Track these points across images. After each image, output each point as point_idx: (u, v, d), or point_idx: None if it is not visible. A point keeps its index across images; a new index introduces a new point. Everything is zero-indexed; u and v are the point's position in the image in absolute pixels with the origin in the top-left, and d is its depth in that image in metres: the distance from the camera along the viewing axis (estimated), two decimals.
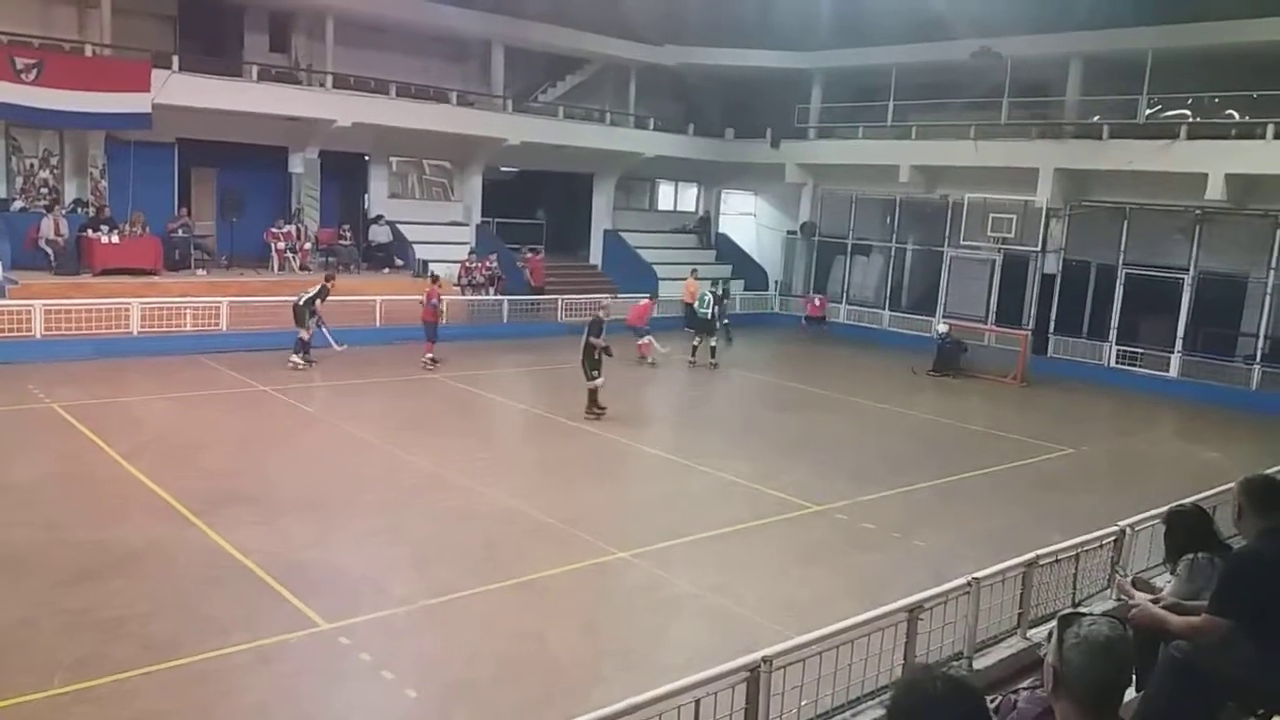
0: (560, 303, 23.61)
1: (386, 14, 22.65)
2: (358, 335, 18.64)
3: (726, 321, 22.18)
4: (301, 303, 17.10)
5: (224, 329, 18.33)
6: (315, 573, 8.32)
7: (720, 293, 21.50)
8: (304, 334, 17.01)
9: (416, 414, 14.79)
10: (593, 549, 9.33)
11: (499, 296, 23.03)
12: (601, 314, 14.93)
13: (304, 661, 6.93)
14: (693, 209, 31.47)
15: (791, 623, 7.04)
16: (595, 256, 27.94)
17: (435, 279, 19.26)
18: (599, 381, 14.58)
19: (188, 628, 7.13)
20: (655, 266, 26.62)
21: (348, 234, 23.23)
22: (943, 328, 21.79)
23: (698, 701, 4.62)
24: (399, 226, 24.06)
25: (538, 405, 16.25)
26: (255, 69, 21.06)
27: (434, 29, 23.72)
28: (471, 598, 8.03)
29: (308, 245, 22.26)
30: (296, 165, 22.71)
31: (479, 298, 22.83)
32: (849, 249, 27.45)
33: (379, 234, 23.91)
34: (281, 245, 21.69)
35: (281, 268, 21.55)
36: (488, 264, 23.48)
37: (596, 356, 14.53)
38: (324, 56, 22.26)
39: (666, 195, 31.73)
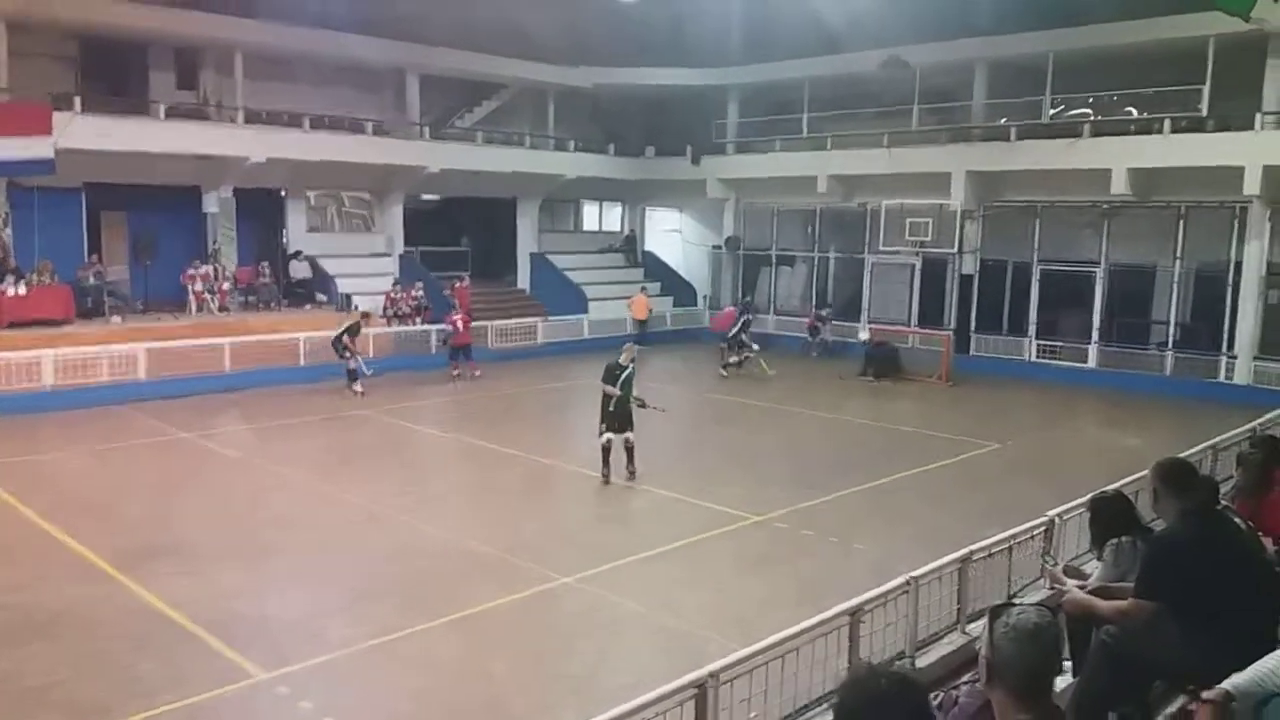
0: (490, 329, 23.44)
1: (296, 47, 22.33)
2: (281, 375, 18.33)
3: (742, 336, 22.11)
4: (334, 337, 18.29)
5: (142, 376, 17.78)
6: (248, 622, 8.08)
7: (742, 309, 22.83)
8: (351, 363, 18.23)
9: (346, 451, 14.52)
10: (535, 576, 9.24)
11: (426, 326, 22.78)
12: (623, 359, 12.54)
13: (241, 716, 6.73)
14: (618, 228, 31.58)
15: (738, 635, 7.04)
16: (523, 281, 27.83)
17: (455, 308, 21.47)
18: (605, 438, 12.43)
19: (115, 690, 6.85)
20: (584, 288, 26.63)
21: (267, 271, 22.76)
22: (864, 335, 22.17)
23: None
24: (319, 261, 23.70)
25: (471, 434, 16.06)
26: (162, 108, 20.60)
27: (345, 60, 23.47)
28: (414, 636, 7.88)
29: (226, 285, 21.76)
30: (210, 204, 22.23)
31: (406, 328, 22.56)
32: (773, 260, 27.80)
33: (299, 270, 23.52)
34: (199, 287, 21.18)
35: (200, 309, 21.04)
36: (413, 294, 23.22)
37: (611, 409, 12.39)
38: (233, 92, 21.87)
39: (591, 215, 31.77)
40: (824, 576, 9.20)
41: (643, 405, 12.78)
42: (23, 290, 18.49)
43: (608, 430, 12.43)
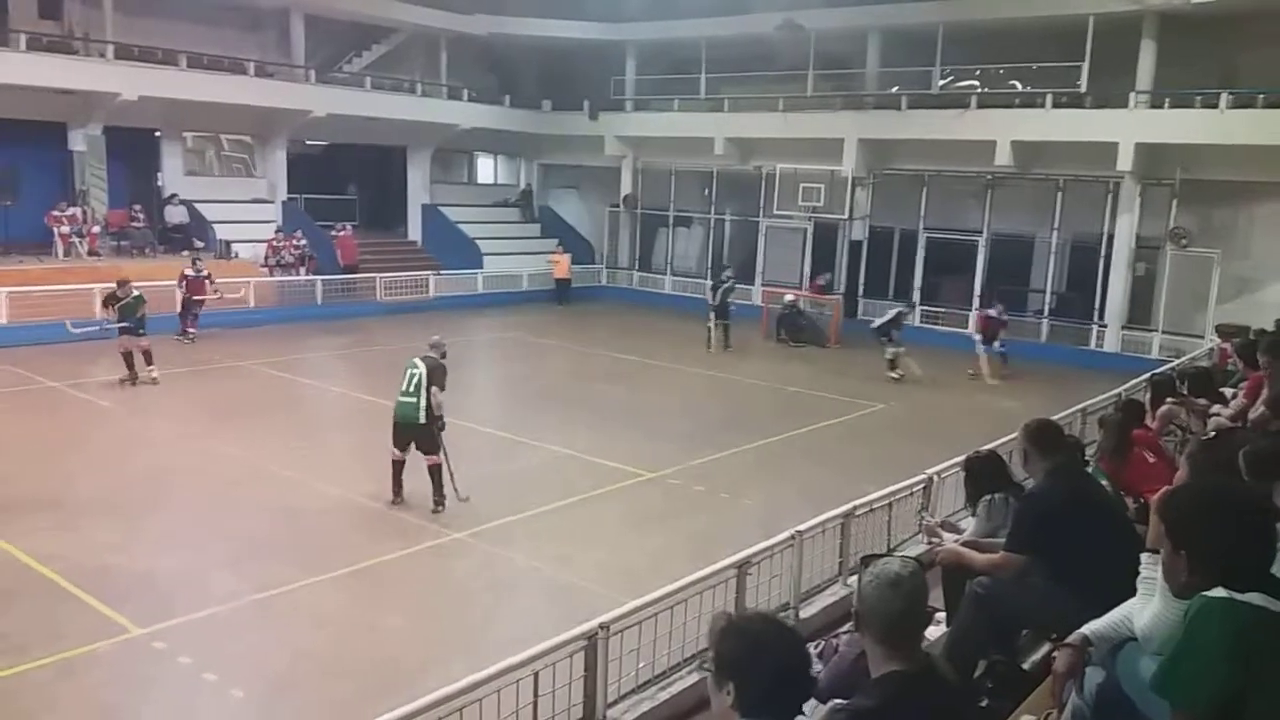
0: (379, 281, 22.89)
1: None
2: (156, 323, 17.40)
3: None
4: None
5: (4, 322, 16.80)
6: (124, 577, 7.80)
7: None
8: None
9: (228, 404, 14.04)
10: (427, 532, 9.17)
11: (310, 277, 22.11)
12: (434, 354, 9.71)
13: (115, 671, 6.51)
14: (514, 182, 31.10)
15: (629, 588, 7.11)
16: (414, 232, 27.21)
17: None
18: (397, 455, 9.65)
19: None
20: (479, 242, 26.21)
21: (140, 215, 21.66)
22: (789, 297, 22.27)
23: (536, 674, 4.64)
24: (198, 206, 22.67)
25: (358, 389, 15.70)
26: (24, 38, 19.23)
27: None
28: (299, 590, 7.74)
29: (95, 228, 20.63)
30: (78, 142, 20.95)
31: (289, 279, 21.86)
32: (670, 221, 27.88)
33: (174, 214, 22.47)
34: (66, 229, 20.03)
35: (67, 253, 19.93)
36: (295, 242, 22.47)
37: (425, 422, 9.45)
38: (103, 24, 20.58)
39: (486, 168, 31.20)
40: (714, 531, 9.39)
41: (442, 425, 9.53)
42: None
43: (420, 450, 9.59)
